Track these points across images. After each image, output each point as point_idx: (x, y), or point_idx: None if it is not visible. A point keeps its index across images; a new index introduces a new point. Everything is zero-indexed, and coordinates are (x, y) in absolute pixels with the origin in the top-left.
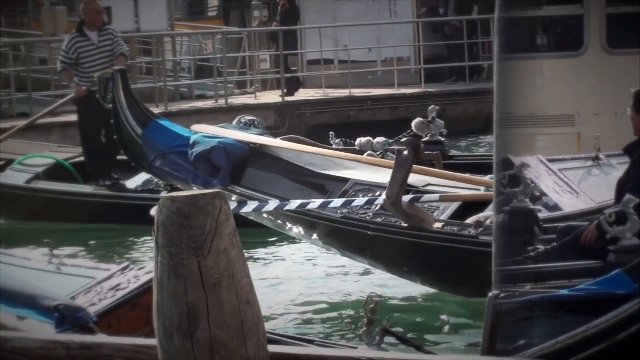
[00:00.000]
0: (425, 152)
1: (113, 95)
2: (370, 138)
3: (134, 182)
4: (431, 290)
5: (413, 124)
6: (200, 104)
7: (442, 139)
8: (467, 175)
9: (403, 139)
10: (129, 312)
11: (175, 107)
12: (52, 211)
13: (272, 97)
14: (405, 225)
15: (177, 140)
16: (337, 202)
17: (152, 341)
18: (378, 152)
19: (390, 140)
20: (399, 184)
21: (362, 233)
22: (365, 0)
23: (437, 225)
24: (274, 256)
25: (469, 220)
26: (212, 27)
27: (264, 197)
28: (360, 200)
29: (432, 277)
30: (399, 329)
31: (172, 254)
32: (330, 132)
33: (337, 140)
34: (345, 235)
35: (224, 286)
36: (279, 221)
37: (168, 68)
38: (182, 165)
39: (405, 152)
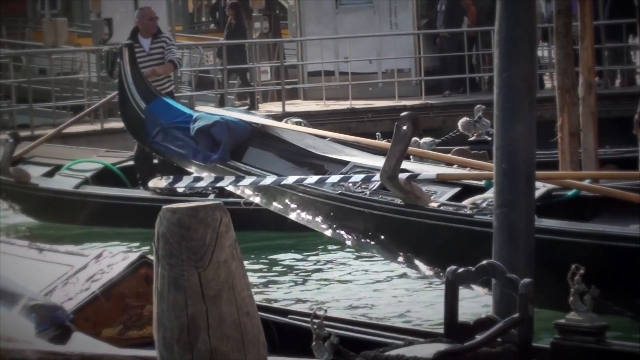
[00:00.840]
0: (472, 152)
1: (120, 70)
2: (417, 138)
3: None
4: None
5: (459, 123)
6: None
7: (489, 138)
8: (468, 159)
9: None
10: (104, 304)
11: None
12: (102, 216)
13: (272, 108)
14: (402, 203)
15: (180, 116)
16: (334, 178)
17: (152, 352)
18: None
19: (437, 140)
20: (397, 158)
21: (358, 211)
22: (366, 12)
23: (434, 205)
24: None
25: (465, 202)
26: (213, 38)
27: (262, 174)
28: (357, 177)
29: (427, 257)
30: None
31: (173, 266)
32: (377, 133)
33: (384, 141)
34: (341, 213)
35: (224, 298)
36: (274, 202)
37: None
38: (184, 140)
39: (404, 127)
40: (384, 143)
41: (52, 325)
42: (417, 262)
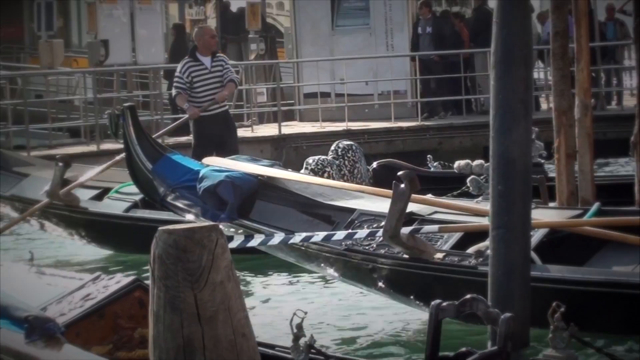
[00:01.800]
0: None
1: (124, 131)
2: (469, 161)
3: None
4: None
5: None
6: None
7: (542, 160)
8: (470, 205)
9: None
10: (96, 321)
11: (172, 140)
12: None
13: (269, 130)
14: (406, 256)
15: (187, 174)
16: (340, 234)
17: None
18: (482, 177)
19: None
20: (397, 217)
21: (364, 265)
22: (362, 34)
23: (438, 255)
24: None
25: (470, 250)
26: None
27: (271, 231)
28: (362, 233)
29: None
30: (328, 346)
31: (169, 287)
32: (428, 156)
33: (435, 164)
34: (348, 267)
35: (220, 319)
36: (284, 253)
37: (164, 101)
38: (192, 199)
39: (402, 185)
40: (387, 191)
41: (43, 336)
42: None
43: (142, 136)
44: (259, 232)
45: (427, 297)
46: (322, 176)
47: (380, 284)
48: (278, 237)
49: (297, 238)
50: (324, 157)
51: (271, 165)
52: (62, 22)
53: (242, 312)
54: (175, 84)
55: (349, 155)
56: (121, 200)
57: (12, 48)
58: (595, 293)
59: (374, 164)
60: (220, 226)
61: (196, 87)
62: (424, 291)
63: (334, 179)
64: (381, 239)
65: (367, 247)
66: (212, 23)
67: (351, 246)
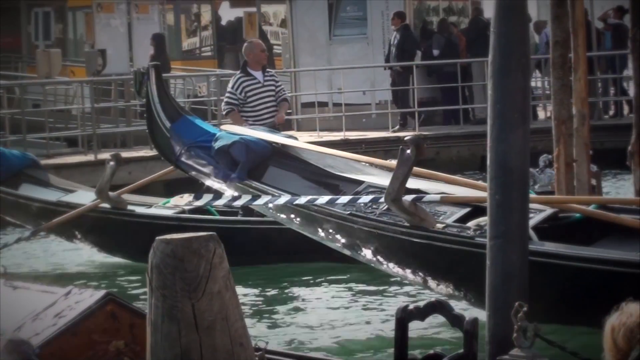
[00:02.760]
0: None
1: (147, 89)
2: None
3: None
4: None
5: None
6: None
7: (552, 190)
8: (473, 181)
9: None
10: (70, 339)
11: None
12: None
13: None
14: (407, 224)
15: (203, 135)
16: (344, 199)
17: None
18: (537, 169)
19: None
20: (400, 181)
21: (367, 231)
22: (359, 43)
23: (438, 226)
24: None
25: (470, 224)
26: (206, 69)
27: (278, 193)
28: (365, 198)
29: (436, 278)
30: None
31: (166, 297)
32: (545, 156)
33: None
34: (351, 232)
35: (217, 329)
36: (283, 215)
37: None
38: (205, 158)
39: (408, 151)
40: (394, 163)
41: (18, 359)
42: (430, 282)
43: (164, 95)
44: (266, 193)
45: (426, 269)
46: None
47: (379, 252)
48: (284, 198)
49: (302, 199)
50: None
51: (288, 137)
52: (60, 31)
53: (239, 321)
54: (226, 101)
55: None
56: (168, 209)
57: (10, 57)
58: (595, 271)
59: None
60: (230, 185)
61: (250, 102)
62: (422, 260)
63: None
64: (385, 207)
65: (369, 214)
66: (208, 33)
67: (354, 212)
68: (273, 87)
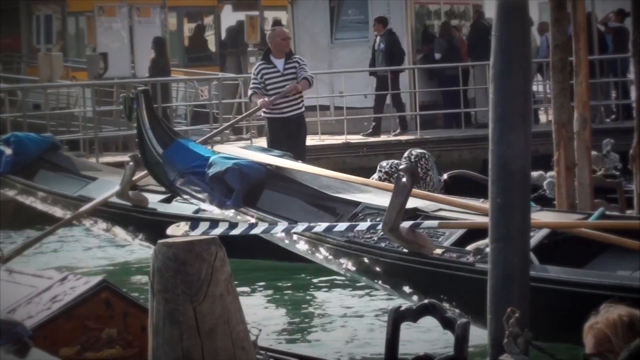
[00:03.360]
0: (608, 180)
1: (137, 115)
2: (542, 172)
3: None
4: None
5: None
6: None
7: (617, 172)
8: (472, 203)
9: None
10: (64, 323)
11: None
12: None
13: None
14: (406, 251)
15: (197, 160)
16: (341, 226)
17: None
18: None
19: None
20: (397, 211)
21: (365, 257)
22: (361, 47)
23: (438, 251)
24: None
25: (469, 247)
26: (208, 73)
27: (275, 220)
28: (363, 225)
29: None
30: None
31: (168, 300)
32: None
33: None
34: (348, 258)
35: (219, 332)
36: (287, 241)
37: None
38: (200, 185)
39: (404, 179)
40: (390, 185)
41: (10, 340)
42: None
43: (155, 121)
44: (264, 220)
45: (425, 293)
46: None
47: (379, 278)
48: (281, 226)
49: (300, 228)
50: (397, 161)
51: (281, 156)
52: (61, 34)
53: (241, 325)
54: (250, 86)
55: (421, 163)
56: (189, 204)
57: (12, 57)
58: (592, 295)
59: (445, 175)
60: (226, 212)
61: (269, 90)
62: (422, 287)
63: None
64: (382, 232)
65: (368, 240)
66: (211, 36)
67: (352, 238)
68: (293, 76)
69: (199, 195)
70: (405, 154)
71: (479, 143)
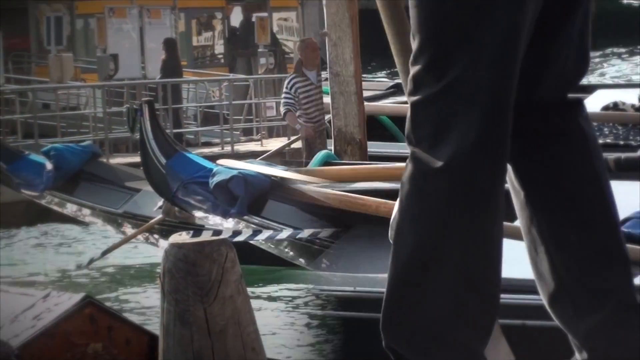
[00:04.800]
0: None
1: (140, 126)
2: None
3: None
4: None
5: None
6: (206, 150)
7: None
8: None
9: None
10: (49, 341)
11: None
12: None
13: (278, 144)
14: None
15: (200, 171)
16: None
17: None
18: None
19: None
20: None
21: None
22: None
23: None
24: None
25: None
26: (218, 74)
27: (279, 227)
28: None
29: None
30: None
31: (179, 301)
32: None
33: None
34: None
35: (230, 333)
36: (291, 253)
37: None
38: (203, 195)
39: None
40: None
41: None
42: None
43: (158, 131)
44: (268, 228)
45: None
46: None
47: None
48: (286, 232)
49: (305, 233)
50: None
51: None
52: (70, 37)
53: (251, 326)
54: (283, 101)
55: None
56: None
57: (23, 57)
58: None
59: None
60: (230, 221)
61: (304, 103)
62: None
63: None
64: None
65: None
66: (219, 39)
67: None
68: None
69: (202, 206)
70: None
71: None
